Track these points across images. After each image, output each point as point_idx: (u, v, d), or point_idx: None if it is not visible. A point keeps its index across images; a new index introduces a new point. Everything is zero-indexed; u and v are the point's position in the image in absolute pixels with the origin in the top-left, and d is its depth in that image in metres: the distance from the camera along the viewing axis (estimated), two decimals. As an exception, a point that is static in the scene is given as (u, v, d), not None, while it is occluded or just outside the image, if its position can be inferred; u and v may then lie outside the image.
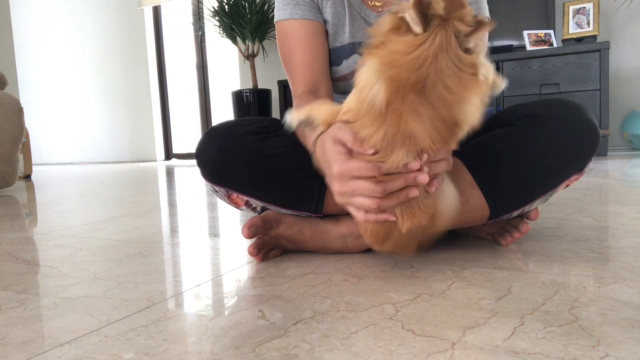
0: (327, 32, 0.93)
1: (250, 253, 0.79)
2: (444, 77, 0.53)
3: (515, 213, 0.78)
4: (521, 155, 0.73)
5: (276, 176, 0.78)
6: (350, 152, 0.60)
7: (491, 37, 0.97)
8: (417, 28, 0.53)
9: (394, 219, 0.61)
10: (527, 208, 0.78)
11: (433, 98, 0.53)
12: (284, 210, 0.81)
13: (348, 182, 0.60)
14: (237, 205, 0.84)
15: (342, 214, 0.79)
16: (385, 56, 0.54)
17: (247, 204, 0.82)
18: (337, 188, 0.62)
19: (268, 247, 0.81)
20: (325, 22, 0.92)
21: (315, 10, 0.90)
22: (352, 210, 0.64)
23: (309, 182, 0.78)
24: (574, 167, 0.75)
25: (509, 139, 0.75)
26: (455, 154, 0.66)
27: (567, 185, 0.78)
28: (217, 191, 0.83)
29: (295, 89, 0.91)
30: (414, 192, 0.59)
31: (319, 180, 0.78)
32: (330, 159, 0.62)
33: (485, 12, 0.92)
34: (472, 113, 0.55)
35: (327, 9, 0.90)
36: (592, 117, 0.75)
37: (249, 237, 0.77)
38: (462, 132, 0.56)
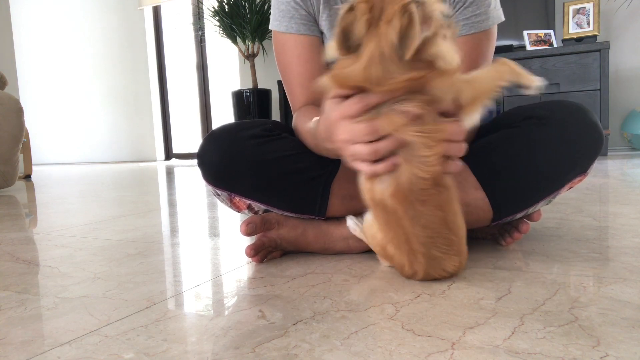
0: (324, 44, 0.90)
1: (247, 254, 0.78)
2: (387, 80, 0.54)
3: (519, 215, 0.77)
4: (525, 157, 0.73)
5: (280, 180, 0.77)
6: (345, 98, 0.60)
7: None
8: (340, 53, 0.57)
9: (398, 161, 0.57)
10: (530, 210, 0.77)
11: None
12: (287, 213, 0.81)
13: (345, 126, 0.58)
14: (238, 209, 0.83)
15: (344, 216, 0.79)
16: (335, 69, 0.59)
17: (249, 207, 0.82)
18: (340, 136, 0.60)
19: (267, 249, 0.80)
20: (321, 33, 0.89)
21: (311, 23, 0.88)
22: (357, 165, 0.60)
23: (312, 185, 0.78)
24: (578, 168, 0.75)
25: (512, 140, 0.75)
26: None
27: (571, 187, 0.78)
28: (219, 194, 0.82)
29: (295, 105, 0.90)
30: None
31: (323, 183, 0.78)
32: (328, 111, 0.62)
33: (495, 13, 0.87)
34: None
35: (323, 21, 0.88)
36: (596, 118, 0.75)
37: (247, 234, 0.77)
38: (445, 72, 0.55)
